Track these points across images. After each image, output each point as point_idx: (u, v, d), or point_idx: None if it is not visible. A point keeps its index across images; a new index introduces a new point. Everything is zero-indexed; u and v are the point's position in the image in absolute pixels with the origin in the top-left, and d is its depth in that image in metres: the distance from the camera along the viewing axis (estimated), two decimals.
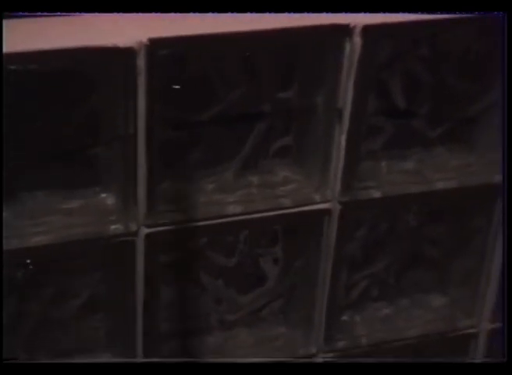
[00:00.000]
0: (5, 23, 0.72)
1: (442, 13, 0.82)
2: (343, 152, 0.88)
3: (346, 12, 0.79)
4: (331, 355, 0.99)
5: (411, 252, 1.03)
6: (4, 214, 0.82)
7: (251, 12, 0.77)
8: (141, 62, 0.76)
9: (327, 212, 0.90)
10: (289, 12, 0.78)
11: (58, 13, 0.75)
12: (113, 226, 0.83)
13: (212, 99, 0.85)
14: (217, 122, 0.87)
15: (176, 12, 0.76)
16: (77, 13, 0.76)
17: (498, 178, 0.94)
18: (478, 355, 1.05)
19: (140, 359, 0.92)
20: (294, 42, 0.85)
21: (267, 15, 0.78)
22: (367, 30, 0.81)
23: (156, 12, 0.76)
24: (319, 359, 0.99)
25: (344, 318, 1.02)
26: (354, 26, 0.81)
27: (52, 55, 0.74)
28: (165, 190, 0.86)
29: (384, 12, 0.79)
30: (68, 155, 0.83)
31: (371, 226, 0.99)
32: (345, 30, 0.81)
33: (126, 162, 0.81)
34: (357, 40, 0.82)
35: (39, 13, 0.75)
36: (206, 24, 0.78)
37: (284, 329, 1.00)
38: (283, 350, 0.98)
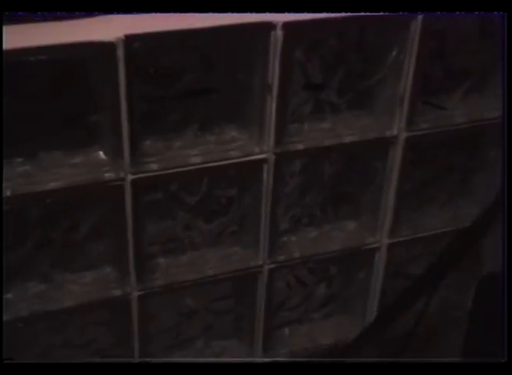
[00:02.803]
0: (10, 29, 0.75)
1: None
2: (274, 117, 0.94)
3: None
4: (273, 265, 1.06)
5: (331, 190, 1.09)
6: (27, 167, 0.88)
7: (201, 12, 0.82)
8: (120, 52, 0.81)
9: (265, 161, 0.98)
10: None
11: (57, 13, 0.78)
12: (107, 175, 0.91)
13: (175, 79, 0.91)
14: (181, 96, 0.93)
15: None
16: (76, 13, 0.79)
17: (389, 133, 1.01)
18: (380, 264, 1.12)
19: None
20: (233, 35, 0.90)
21: (212, 15, 0.83)
22: (286, 25, 0.87)
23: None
24: (264, 269, 1.05)
25: (283, 239, 1.09)
26: (276, 23, 0.87)
27: (55, 48, 0.80)
28: (145, 147, 0.92)
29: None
30: (71, 123, 0.89)
31: (299, 170, 1.05)
32: (270, 26, 0.87)
33: (115, 127, 0.88)
34: (279, 33, 0.88)
35: (39, 13, 0.77)
36: (169, 22, 0.84)
37: (238, 248, 1.06)
38: (239, 265, 1.05)
